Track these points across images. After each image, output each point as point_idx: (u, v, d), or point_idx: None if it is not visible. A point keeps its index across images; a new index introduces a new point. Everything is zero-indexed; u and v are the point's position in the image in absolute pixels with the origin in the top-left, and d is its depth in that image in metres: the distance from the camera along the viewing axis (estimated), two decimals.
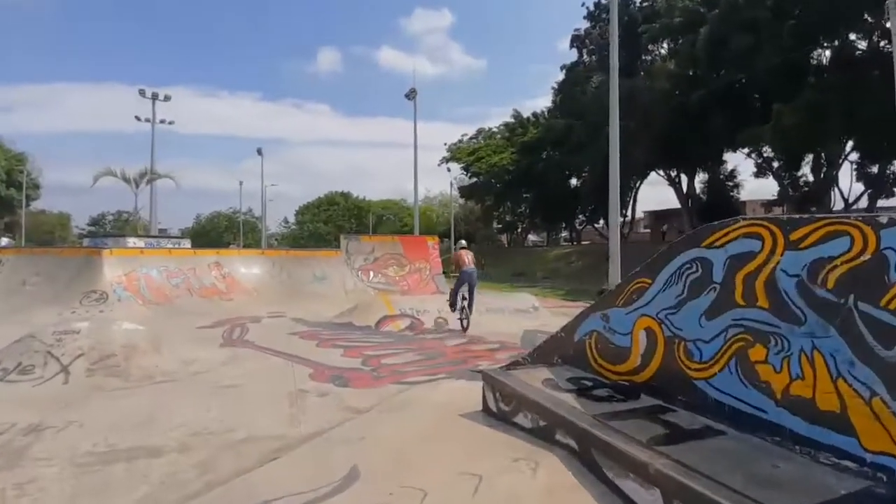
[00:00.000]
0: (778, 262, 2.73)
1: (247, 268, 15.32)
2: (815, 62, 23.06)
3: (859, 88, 18.84)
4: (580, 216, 44.91)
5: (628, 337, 3.50)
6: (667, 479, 2.27)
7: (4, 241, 27.27)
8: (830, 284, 2.52)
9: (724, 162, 31.89)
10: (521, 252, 44.44)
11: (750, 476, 2.26)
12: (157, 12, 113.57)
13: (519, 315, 10.49)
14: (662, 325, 3.30)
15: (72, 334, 5.74)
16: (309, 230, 69.69)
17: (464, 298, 9.31)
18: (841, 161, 25.11)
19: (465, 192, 49.80)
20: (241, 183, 57.55)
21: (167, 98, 30.78)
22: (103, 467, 3.41)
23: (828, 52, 22.81)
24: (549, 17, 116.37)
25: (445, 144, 49.68)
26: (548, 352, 4.28)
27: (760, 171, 28.18)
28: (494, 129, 48.54)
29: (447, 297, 9.98)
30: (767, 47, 21.16)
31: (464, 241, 11.06)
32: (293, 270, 15.78)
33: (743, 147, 26.31)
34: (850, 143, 23.99)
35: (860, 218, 2.52)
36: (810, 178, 26.68)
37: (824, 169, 25.14)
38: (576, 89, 32.70)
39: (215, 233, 70.64)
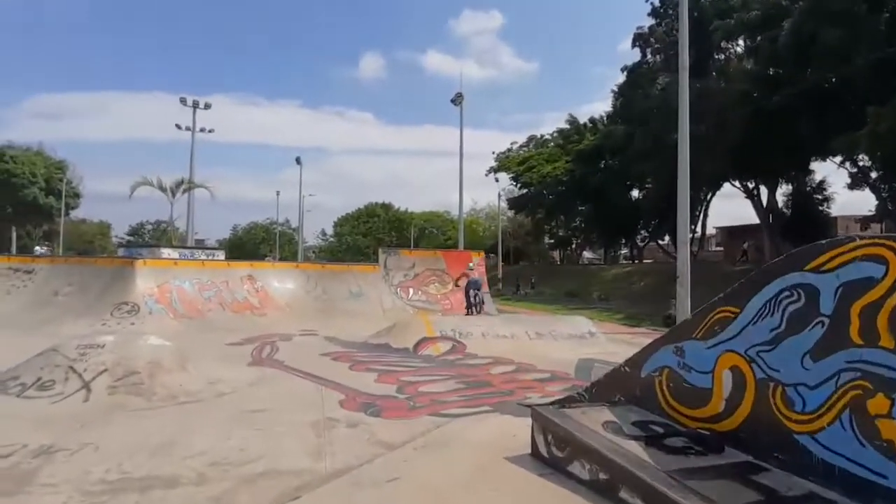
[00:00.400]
0: None
1: (280, 282, 15.61)
2: None
3: None
4: (642, 232, 43.72)
5: (709, 376, 3.17)
6: None
7: (40, 249, 29.10)
8: None
9: (810, 172, 30.30)
10: (575, 270, 43.58)
11: None
12: (196, 21, 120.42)
13: (573, 341, 10.09)
14: (753, 365, 2.96)
15: (96, 348, 5.86)
16: (347, 243, 70.95)
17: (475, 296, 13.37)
18: None
19: (514, 204, 49.48)
20: (278, 193, 59.47)
21: (208, 106, 32.30)
22: (113, 497, 3.37)
23: None
24: (609, 15, 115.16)
25: (494, 153, 49.78)
26: (608, 388, 3.98)
27: (855, 183, 26.50)
28: (547, 137, 48.24)
29: (492, 317, 9.87)
30: (862, 43, 20.00)
31: (472, 265, 15.06)
32: (328, 286, 15.96)
33: (834, 155, 24.88)
34: None
35: None
36: None
37: None
38: (638, 92, 31.99)
39: (252, 244, 73.08)
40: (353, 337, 10.77)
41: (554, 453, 3.31)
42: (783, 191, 31.96)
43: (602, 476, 2.91)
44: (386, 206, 75.62)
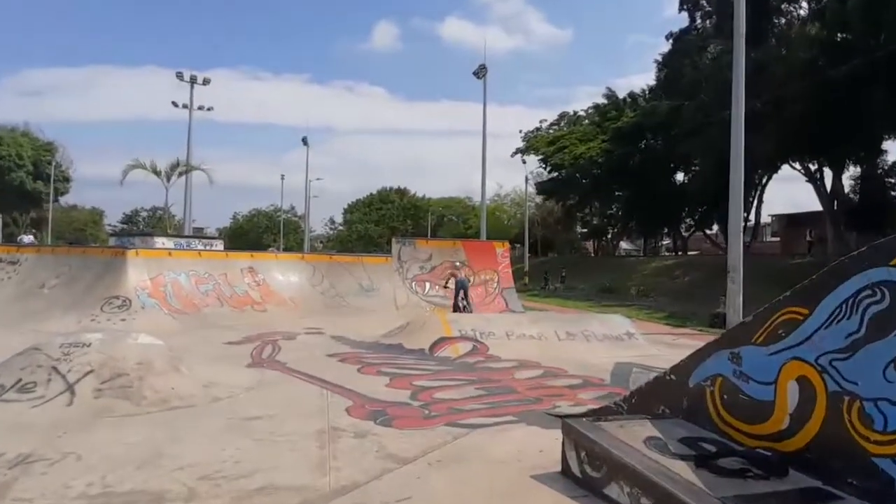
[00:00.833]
0: None
1: (283, 275, 15.73)
2: None
3: None
4: (687, 220, 42.97)
5: (771, 388, 3.02)
6: None
7: (27, 238, 29.81)
8: None
9: (883, 152, 29.31)
10: (611, 263, 43.13)
11: None
12: None
13: (608, 343, 9.94)
14: (824, 375, 2.80)
15: (81, 347, 5.91)
16: (358, 232, 71.34)
17: (462, 299, 14.49)
18: None
19: (543, 188, 49.06)
20: (282, 177, 59.97)
21: (206, 82, 32.60)
22: None
23: None
24: None
25: (521, 132, 49.30)
26: (650, 398, 3.85)
27: None
28: (581, 113, 47.60)
29: (517, 315, 9.78)
30: None
31: (459, 262, 16.55)
32: (336, 279, 16.04)
33: None
34: None
35: None
36: None
37: None
38: (685, 62, 31.30)
39: (254, 233, 73.89)
40: (362, 336, 10.78)
41: (588, 473, 3.20)
42: (850, 174, 30.99)
43: (644, 501, 2.79)
44: (401, 192, 75.78)
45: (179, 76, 31.55)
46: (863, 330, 2.70)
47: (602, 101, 44.79)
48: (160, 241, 18.91)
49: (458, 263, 16.58)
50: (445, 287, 15.72)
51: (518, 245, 44.41)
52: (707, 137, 28.39)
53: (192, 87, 32.02)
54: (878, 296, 2.65)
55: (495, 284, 16.83)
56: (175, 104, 32.89)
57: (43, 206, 49.13)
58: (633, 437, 3.19)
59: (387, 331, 10.82)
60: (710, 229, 41.20)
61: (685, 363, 3.63)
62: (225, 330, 11.34)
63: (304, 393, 6.48)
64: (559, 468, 3.70)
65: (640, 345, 10.10)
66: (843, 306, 2.79)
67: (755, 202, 34.56)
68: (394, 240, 17.89)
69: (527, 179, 47.98)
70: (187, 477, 3.89)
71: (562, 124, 48.39)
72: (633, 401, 4.00)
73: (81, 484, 3.74)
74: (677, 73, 32.27)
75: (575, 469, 3.36)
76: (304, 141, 49.17)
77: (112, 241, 22.13)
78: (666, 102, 33.41)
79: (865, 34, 22.51)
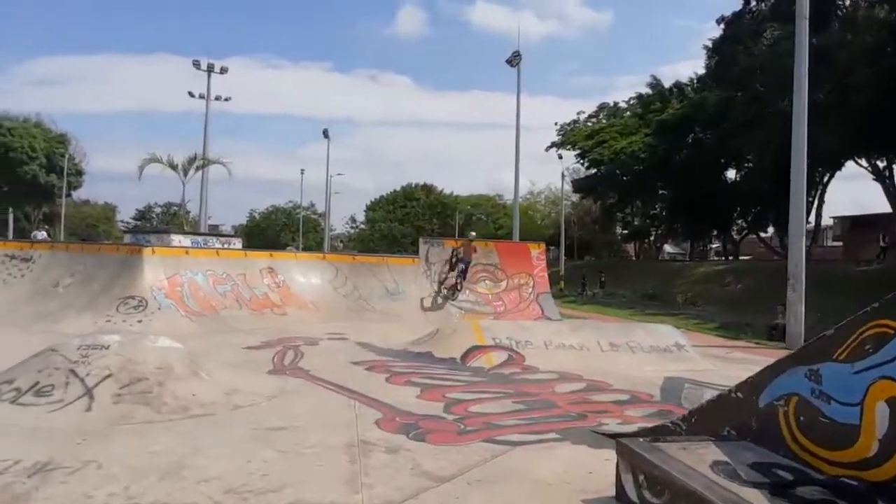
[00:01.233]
0: None
1: (304, 276, 15.87)
2: None
3: None
4: (739, 221, 42.21)
5: (856, 409, 2.91)
6: None
7: (40, 234, 30.72)
8: None
9: None
10: (654, 267, 42.59)
11: None
12: None
13: (655, 355, 9.80)
14: None
15: (100, 350, 6.02)
16: (381, 231, 71.76)
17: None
18: None
19: (580, 186, 48.70)
20: (302, 171, 60.57)
21: (224, 70, 33.14)
22: None
23: None
24: None
25: (556, 125, 49.00)
26: (713, 418, 3.75)
27: None
28: (622, 105, 47.14)
29: (556, 322, 9.65)
30: None
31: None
32: (360, 281, 16.11)
33: None
34: None
35: None
36: None
37: None
38: (739, 49, 30.72)
39: (272, 231, 74.84)
40: (389, 343, 10.82)
41: (647, 499, 3.13)
42: None
43: None
44: (427, 189, 76.03)
45: (196, 65, 32.13)
46: None
47: (645, 90, 44.32)
48: (177, 239, 19.27)
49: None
50: (451, 270, 15.80)
51: (553, 247, 44.05)
52: (762, 131, 27.84)
53: (209, 77, 32.59)
54: None
55: (530, 289, 16.71)
56: (192, 94, 33.57)
57: (55, 201, 50.49)
58: (698, 461, 3.10)
59: (415, 337, 10.84)
60: (765, 232, 40.41)
61: (754, 380, 3.53)
62: (244, 334, 11.50)
63: (331, 403, 6.50)
64: (612, 492, 3.63)
65: (691, 358, 9.92)
66: None
67: (815, 202, 33.71)
68: (421, 240, 17.91)
69: (563, 176, 47.67)
70: (213, 490, 3.92)
71: (601, 116, 48.02)
72: (693, 420, 3.90)
73: (103, 494, 3.80)
74: (729, 61, 31.68)
75: (631, 494, 3.29)
76: (326, 133, 49.72)
77: (127, 238, 22.58)
78: (716, 93, 32.82)
79: None
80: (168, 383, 6.00)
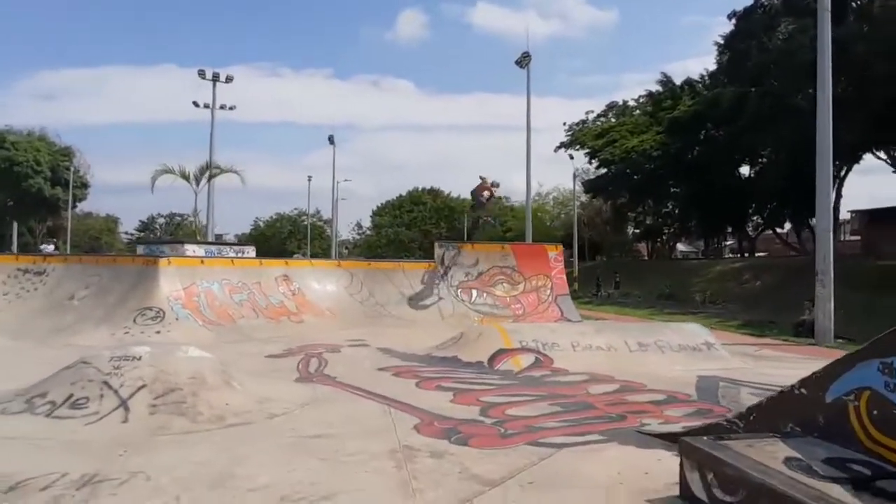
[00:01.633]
0: None
1: (320, 283, 15.90)
2: None
3: None
4: (753, 218, 42.07)
5: None
6: None
7: (48, 248, 30.88)
8: None
9: None
10: (668, 266, 42.48)
11: None
12: None
13: (685, 354, 9.76)
14: None
15: (132, 361, 6.05)
16: (387, 236, 71.80)
17: None
18: None
19: (591, 186, 48.59)
20: (309, 178, 60.53)
21: (230, 79, 33.25)
22: None
23: None
24: None
25: (565, 125, 48.96)
26: (774, 415, 3.74)
27: None
28: (631, 103, 47.07)
29: (580, 324, 9.62)
30: None
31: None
32: (376, 287, 16.13)
33: None
34: None
35: None
36: None
37: None
38: (752, 44, 30.65)
39: (277, 239, 74.99)
40: (410, 348, 10.81)
41: (719, 497, 3.11)
42: None
43: None
44: (433, 192, 76.03)
45: (202, 74, 32.25)
46: None
47: (655, 88, 44.27)
48: (191, 249, 19.33)
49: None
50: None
51: (564, 249, 43.95)
52: (777, 127, 27.78)
53: (214, 86, 32.73)
54: None
55: (548, 291, 16.68)
56: (196, 104, 33.69)
57: (61, 214, 50.80)
58: (769, 458, 3.09)
59: (435, 342, 10.83)
60: (781, 228, 40.23)
61: (819, 375, 3.51)
62: (263, 342, 11.53)
63: (365, 409, 6.51)
64: (674, 492, 3.62)
65: (722, 356, 9.88)
66: None
67: (833, 196, 33.57)
68: (437, 244, 17.90)
69: (574, 176, 47.59)
70: (264, 498, 3.94)
71: (610, 115, 47.94)
72: (752, 417, 3.89)
73: None
74: (742, 57, 31.62)
75: (699, 493, 3.28)
76: (331, 139, 49.75)
77: (141, 250, 22.68)
78: (731, 89, 32.72)
79: None
80: (201, 393, 6.02)
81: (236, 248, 24.56)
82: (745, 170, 40.29)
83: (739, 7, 33.45)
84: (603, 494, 3.92)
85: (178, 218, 79.32)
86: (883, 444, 3.10)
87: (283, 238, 76.47)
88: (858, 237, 43.21)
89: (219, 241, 35.91)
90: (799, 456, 3.12)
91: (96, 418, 5.48)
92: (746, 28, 32.05)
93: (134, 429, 5.34)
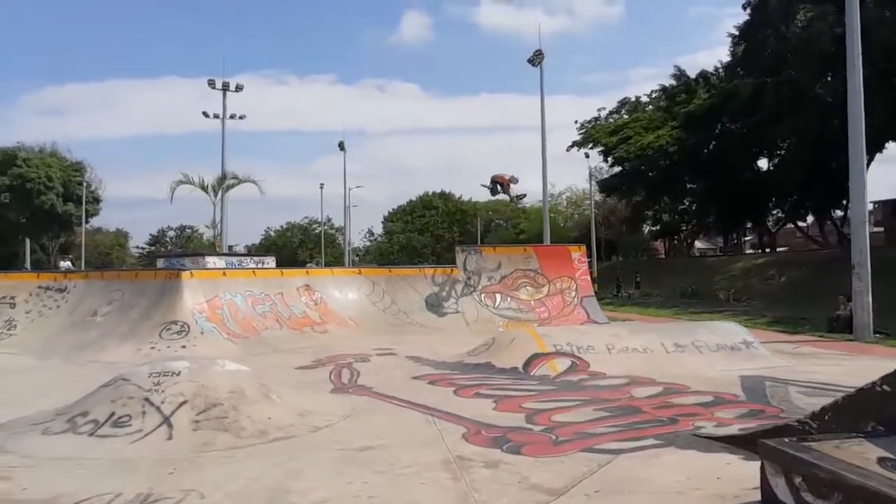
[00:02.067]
0: None
1: (341, 292, 15.89)
2: None
3: None
4: (773, 212, 41.72)
5: None
6: None
7: (64, 264, 31.13)
8: None
9: None
10: (688, 264, 42.24)
11: None
12: None
13: (723, 354, 9.63)
14: None
15: (171, 376, 6.02)
16: (400, 242, 71.88)
17: None
18: None
19: (605, 185, 48.38)
20: (321, 186, 60.37)
21: (240, 88, 33.58)
22: None
23: None
24: None
25: (577, 123, 48.78)
26: (853, 414, 3.65)
27: None
28: (643, 98, 46.87)
29: (612, 326, 9.53)
30: None
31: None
32: (398, 294, 16.09)
33: None
34: None
35: None
36: None
37: None
38: (768, 33, 30.43)
39: (288, 248, 75.28)
40: (440, 356, 10.74)
41: (808, 501, 3.02)
42: None
43: None
44: (445, 196, 76.09)
45: (211, 84, 32.52)
46: None
47: (668, 82, 44.01)
48: (211, 261, 19.40)
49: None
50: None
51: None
52: (797, 117, 27.52)
53: (224, 95, 33.02)
54: None
55: (573, 293, 16.56)
56: (206, 114, 33.99)
57: (74, 230, 51.28)
58: (861, 459, 3.01)
59: (463, 349, 10.76)
60: (803, 221, 39.87)
61: None
62: (289, 354, 11.50)
63: (408, 419, 6.46)
64: (753, 497, 3.54)
65: (762, 355, 9.74)
66: None
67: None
68: (457, 249, 17.84)
69: (590, 175, 47.41)
70: None
71: (622, 112, 47.73)
72: (826, 417, 3.80)
73: None
74: (759, 47, 31.43)
75: (785, 497, 3.18)
76: (341, 146, 49.82)
77: (161, 263, 22.81)
78: (748, 80, 32.45)
79: None
80: (242, 407, 5.99)
81: (256, 258, 24.63)
82: (763, 163, 40.02)
83: None
84: (675, 500, 3.83)
85: (189, 230, 79.89)
86: None
87: (294, 247, 76.77)
88: (882, 228, 42.81)
89: (233, 252, 36.09)
90: (892, 456, 3.03)
91: (140, 436, 5.45)
92: (762, 17, 31.80)
93: (179, 446, 5.31)
